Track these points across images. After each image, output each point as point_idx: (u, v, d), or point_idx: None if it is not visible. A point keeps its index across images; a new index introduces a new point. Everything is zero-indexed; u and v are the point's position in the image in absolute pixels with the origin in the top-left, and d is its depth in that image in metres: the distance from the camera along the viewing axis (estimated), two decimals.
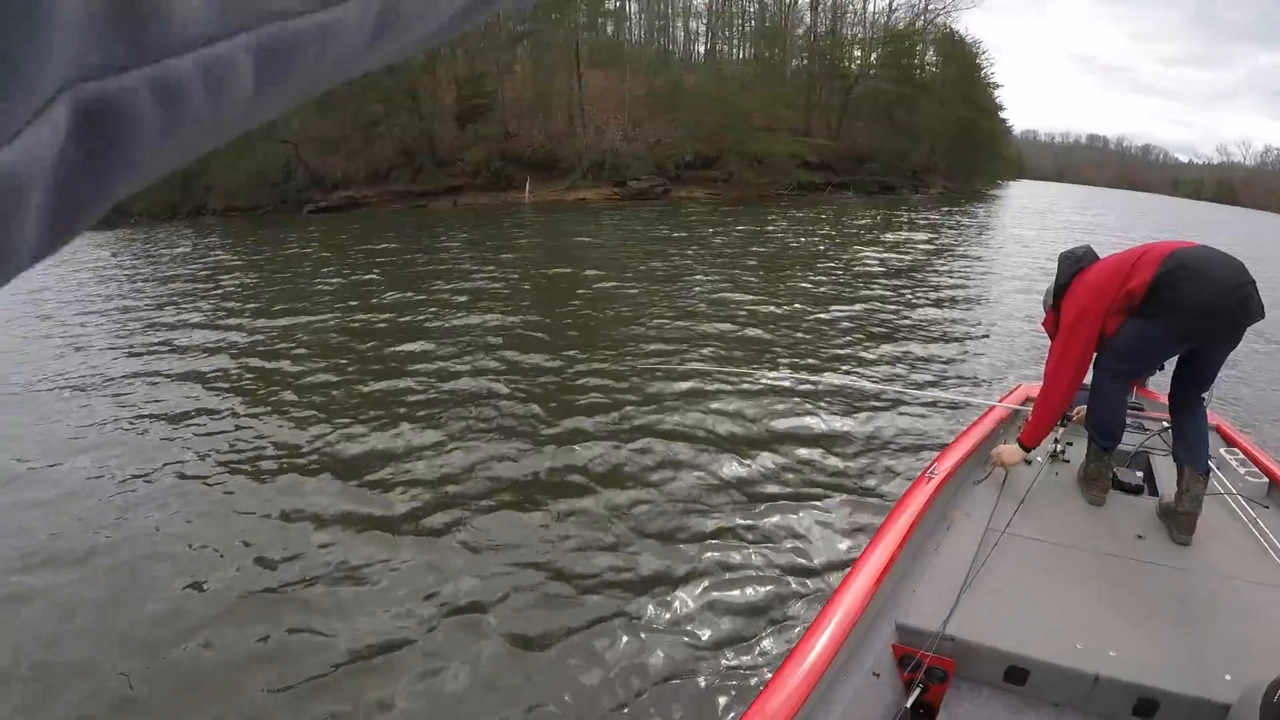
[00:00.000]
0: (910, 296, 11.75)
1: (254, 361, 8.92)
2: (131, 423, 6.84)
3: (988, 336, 9.35)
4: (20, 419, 6.98)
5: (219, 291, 13.80)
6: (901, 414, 6.29)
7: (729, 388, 7.05)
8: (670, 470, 5.29)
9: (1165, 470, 3.36)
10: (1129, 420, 3.52)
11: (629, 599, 3.77)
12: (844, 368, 7.99)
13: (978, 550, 2.55)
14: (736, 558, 4.10)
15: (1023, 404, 4.11)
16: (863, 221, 24.88)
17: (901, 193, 41.80)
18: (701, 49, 48.09)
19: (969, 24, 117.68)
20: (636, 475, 5.26)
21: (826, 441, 5.74)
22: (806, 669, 1.94)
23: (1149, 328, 2.79)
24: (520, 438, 6.00)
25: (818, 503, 4.74)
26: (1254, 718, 1.69)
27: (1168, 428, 3.35)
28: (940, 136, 46.64)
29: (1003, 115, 62.80)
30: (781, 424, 6.14)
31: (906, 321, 10.06)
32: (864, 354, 8.45)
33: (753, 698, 1.91)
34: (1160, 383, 3.68)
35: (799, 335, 9.27)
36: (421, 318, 10.76)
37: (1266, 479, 3.27)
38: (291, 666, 3.38)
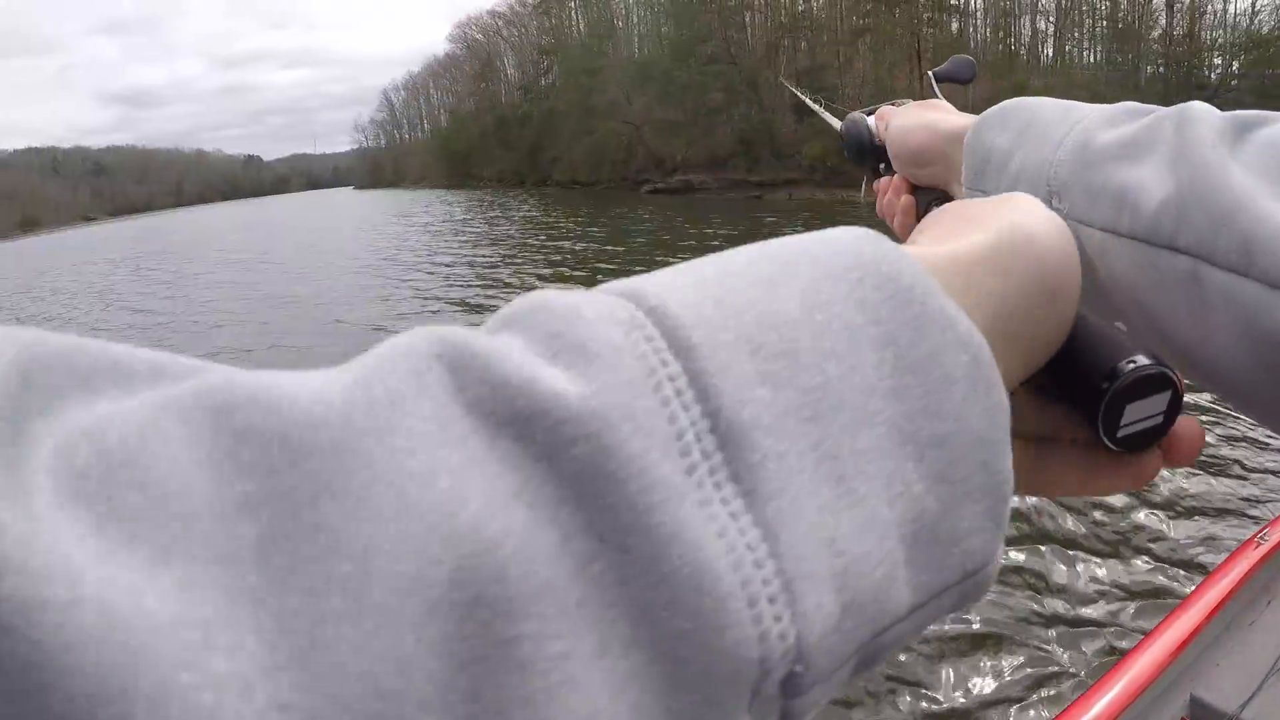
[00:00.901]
0: None
1: None
2: None
3: None
4: None
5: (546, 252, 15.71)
6: (1231, 469, 5.62)
7: None
8: None
9: None
10: None
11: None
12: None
13: None
14: (1023, 607, 3.95)
15: None
16: None
17: None
18: (1050, 50, 45.62)
19: None
20: None
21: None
22: None
23: None
24: None
25: (1118, 557, 4.44)
26: None
27: None
28: None
29: None
30: None
31: None
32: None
33: None
34: None
35: None
36: None
37: None
38: None
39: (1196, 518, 4.91)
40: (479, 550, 0.15)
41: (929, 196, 0.69)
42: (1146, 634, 2.27)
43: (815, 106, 1.30)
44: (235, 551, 0.13)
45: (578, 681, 0.15)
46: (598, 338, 0.18)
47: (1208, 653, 2.22)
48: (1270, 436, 5.81)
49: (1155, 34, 43.26)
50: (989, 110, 0.56)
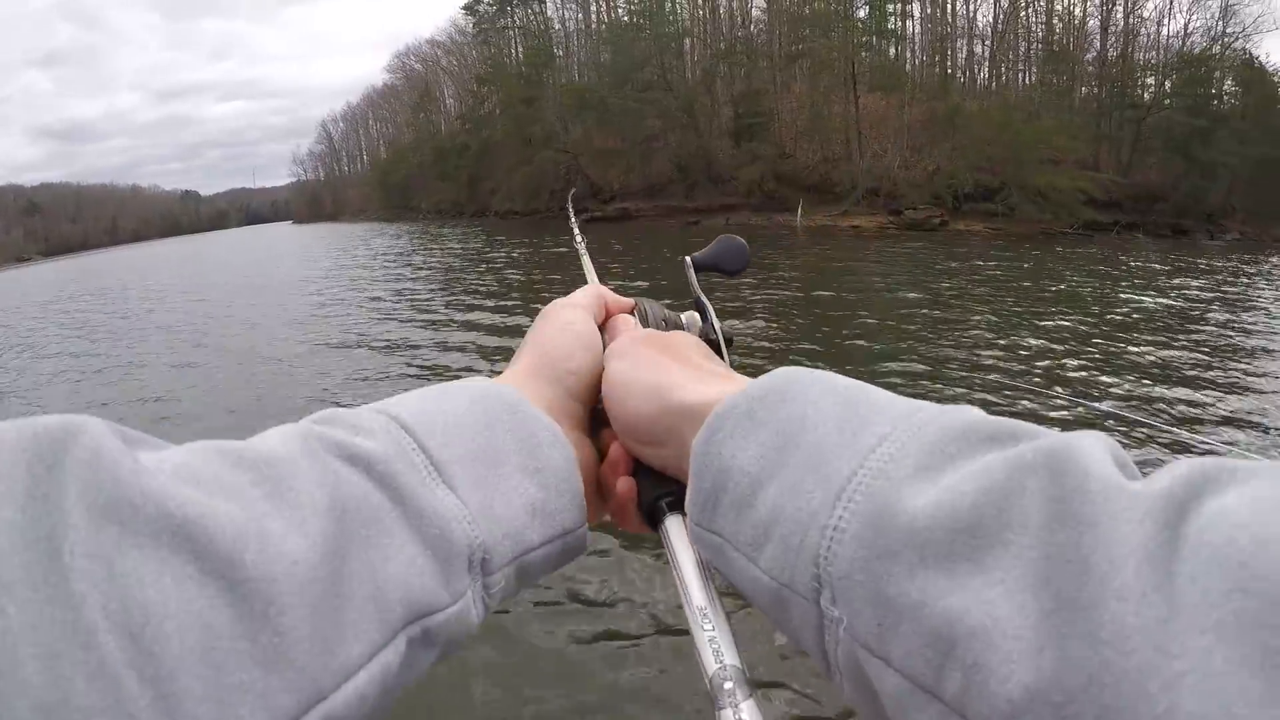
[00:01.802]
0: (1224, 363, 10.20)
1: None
2: None
3: None
4: None
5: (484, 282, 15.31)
6: None
7: None
8: None
9: None
10: None
11: None
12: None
13: None
14: None
15: None
16: (1161, 268, 22.77)
17: (1194, 236, 38.01)
18: (985, 73, 46.07)
19: (1270, 49, 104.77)
20: None
21: None
22: None
23: None
24: None
25: None
26: None
27: None
28: (1239, 176, 41.92)
29: None
30: None
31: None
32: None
33: None
34: None
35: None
36: None
37: None
38: None
39: None
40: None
41: (662, 495, 0.51)
42: None
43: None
44: None
45: (399, 545, 0.36)
46: (374, 428, 0.40)
47: None
48: None
49: (1089, 56, 43.86)
50: (733, 397, 0.41)
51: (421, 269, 24.25)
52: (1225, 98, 45.26)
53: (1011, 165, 31.98)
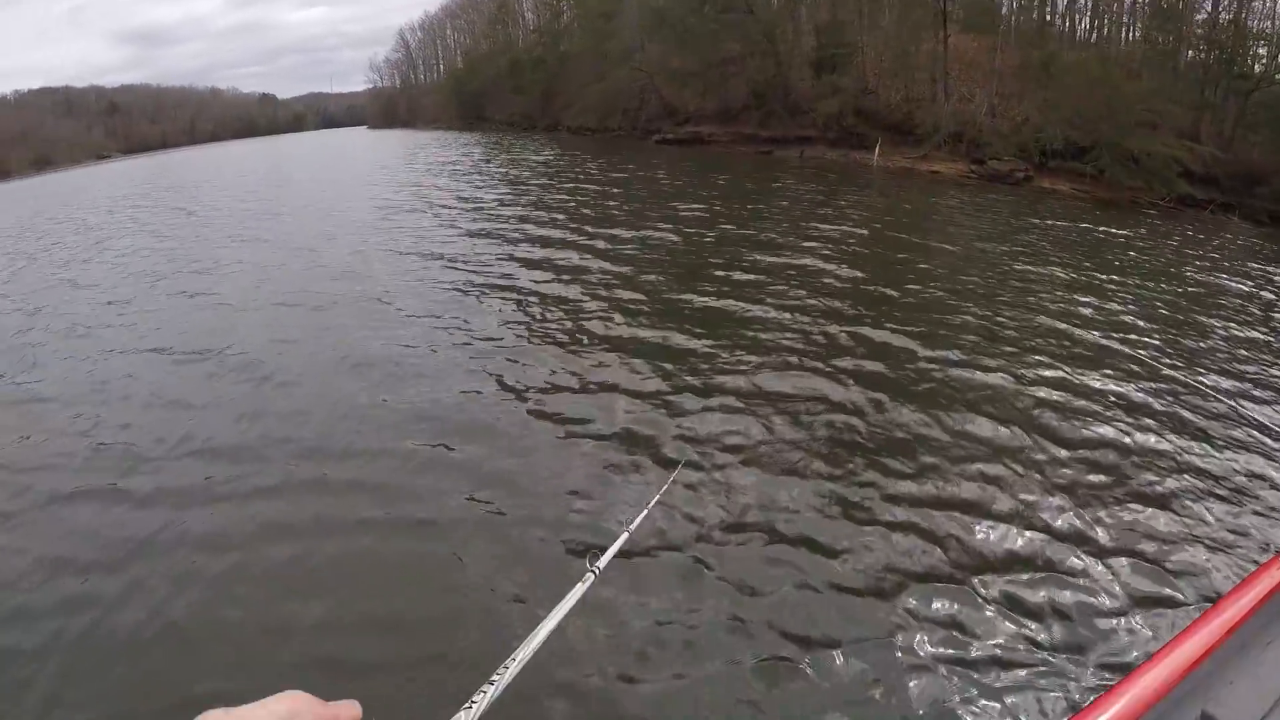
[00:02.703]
0: None
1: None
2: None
3: None
4: None
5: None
6: (1260, 485, 5.73)
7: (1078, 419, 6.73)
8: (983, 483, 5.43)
9: None
10: None
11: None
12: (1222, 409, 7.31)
13: None
14: (1032, 620, 4.05)
15: None
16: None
17: None
18: (1085, 23, 43.61)
19: None
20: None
21: (1191, 494, 5.44)
22: None
23: None
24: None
25: (1153, 556, 4.55)
26: None
27: None
28: None
29: None
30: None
31: None
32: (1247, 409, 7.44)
33: None
34: None
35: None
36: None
37: None
38: None
39: (1217, 539, 4.91)
40: None
41: None
42: (1159, 648, 2.05)
43: None
44: None
45: None
46: None
47: (1221, 670, 2.13)
48: None
49: (1199, 17, 41.32)
50: None
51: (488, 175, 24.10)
52: None
53: (1105, 124, 30.36)
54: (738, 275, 10.96)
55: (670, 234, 13.86)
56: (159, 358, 8.76)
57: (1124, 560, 4.62)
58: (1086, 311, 10.43)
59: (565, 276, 10.77)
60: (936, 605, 4.19)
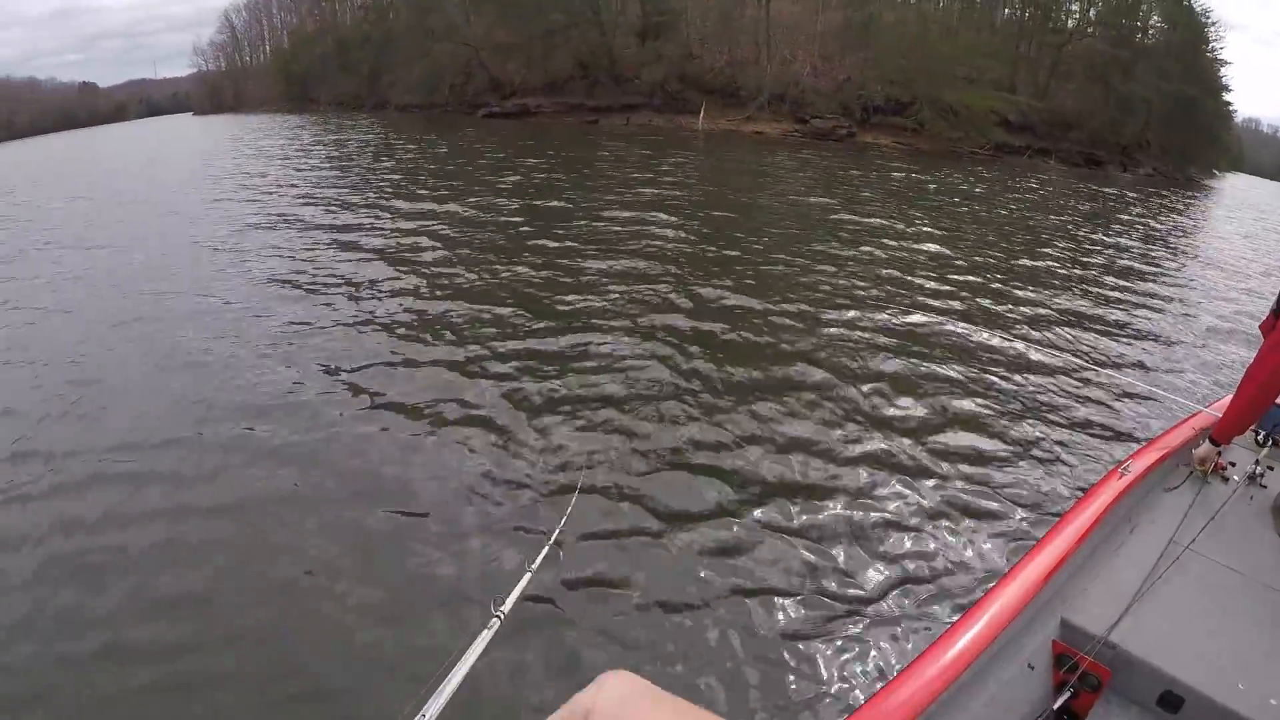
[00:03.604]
0: (1123, 286, 10.40)
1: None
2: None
3: (1204, 345, 8.28)
4: None
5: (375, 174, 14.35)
6: (1097, 400, 5.99)
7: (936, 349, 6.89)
8: (841, 420, 5.33)
9: None
10: None
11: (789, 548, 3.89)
12: (1040, 337, 7.63)
13: (1158, 561, 2.40)
14: (906, 525, 4.13)
15: None
16: (1072, 198, 22.29)
17: (1107, 169, 37.77)
18: None
19: None
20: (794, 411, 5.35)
21: (1011, 416, 5.57)
22: (963, 645, 1.93)
23: None
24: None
25: (995, 481, 4.61)
26: None
27: None
28: (1156, 112, 41.57)
29: (1226, 98, 55.35)
30: (965, 390, 6.01)
31: (1115, 312, 9.00)
32: (1066, 333, 7.92)
33: (905, 667, 1.86)
34: None
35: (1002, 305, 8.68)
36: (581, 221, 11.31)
37: None
38: None
39: (1063, 449, 5.07)
40: None
41: None
42: (1016, 562, 2.27)
43: None
44: None
45: None
46: None
47: (1076, 579, 2.35)
48: (1134, 371, 6.91)
49: None
50: None
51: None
52: (1150, 32, 44.81)
53: (924, 80, 30.92)
54: (555, 244, 10.35)
55: (491, 206, 13.16)
56: None
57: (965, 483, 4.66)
58: (903, 252, 10.75)
59: (378, 257, 9.82)
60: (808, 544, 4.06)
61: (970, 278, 9.61)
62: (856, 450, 4.94)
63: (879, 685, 2.44)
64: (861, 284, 8.85)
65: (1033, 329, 7.85)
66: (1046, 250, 12.15)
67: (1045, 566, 2.24)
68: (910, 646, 3.27)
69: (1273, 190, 74.99)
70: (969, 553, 3.94)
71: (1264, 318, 3.07)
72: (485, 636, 1.41)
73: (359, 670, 3.19)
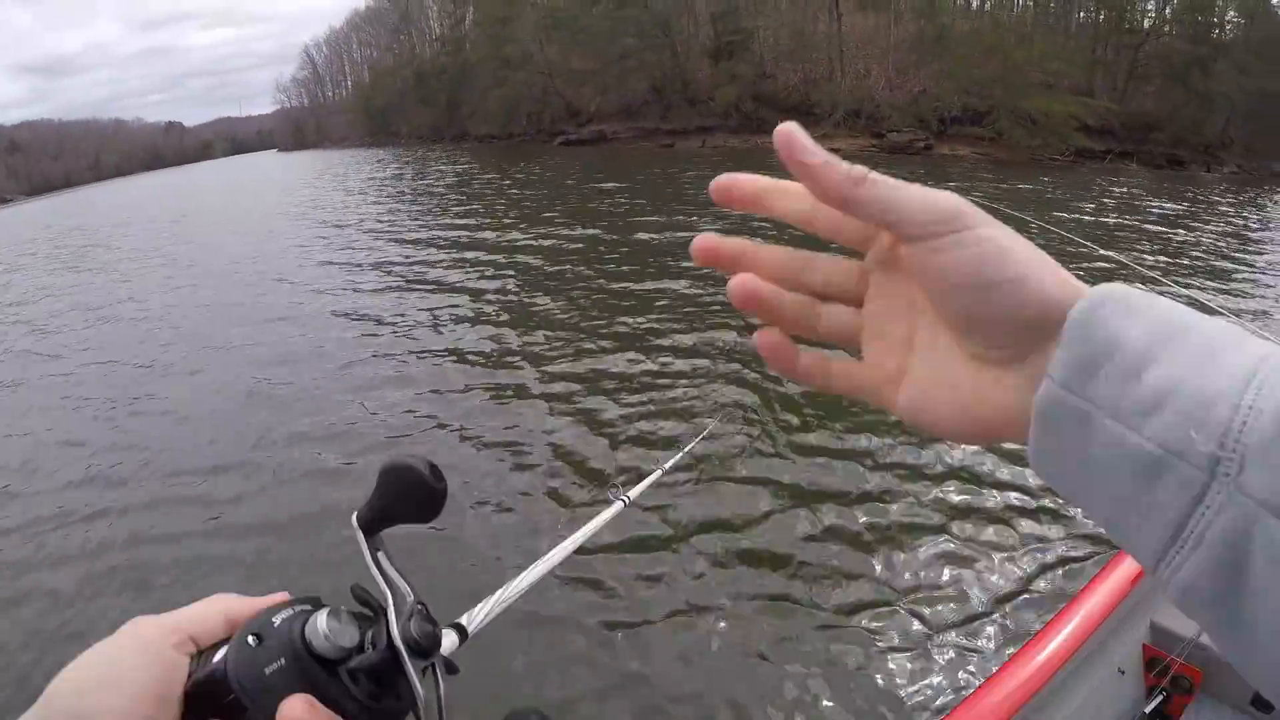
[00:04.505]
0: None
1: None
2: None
3: None
4: None
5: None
6: None
7: None
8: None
9: None
10: None
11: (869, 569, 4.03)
12: None
13: None
14: (998, 523, 4.31)
15: None
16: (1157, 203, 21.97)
17: (1191, 168, 36.84)
18: None
19: None
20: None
21: None
22: (1051, 651, 1.92)
23: None
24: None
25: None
26: None
27: None
28: (1238, 108, 40.37)
29: None
30: None
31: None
32: None
33: (993, 674, 1.91)
34: None
35: None
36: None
37: None
38: None
39: None
40: None
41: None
42: (1103, 567, 2.25)
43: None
44: None
45: None
46: None
47: None
48: None
49: None
50: (1101, 288, 0.38)
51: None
52: (1227, 27, 43.60)
53: (1001, 88, 30.73)
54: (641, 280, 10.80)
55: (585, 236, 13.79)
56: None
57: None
58: None
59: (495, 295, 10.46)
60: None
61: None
62: (932, 458, 5.22)
63: (968, 692, 2.60)
64: None
65: None
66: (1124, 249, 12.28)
67: (1133, 570, 2.19)
68: (999, 653, 3.35)
69: None
70: (1053, 558, 4.03)
71: None
72: (607, 514, 1.42)
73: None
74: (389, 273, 11.88)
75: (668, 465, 1.96)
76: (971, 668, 3.31)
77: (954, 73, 31.29)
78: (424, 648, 0.47)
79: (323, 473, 5.57)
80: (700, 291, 9.33)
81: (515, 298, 9.84)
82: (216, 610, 0.49)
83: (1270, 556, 0.27)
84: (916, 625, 3.59)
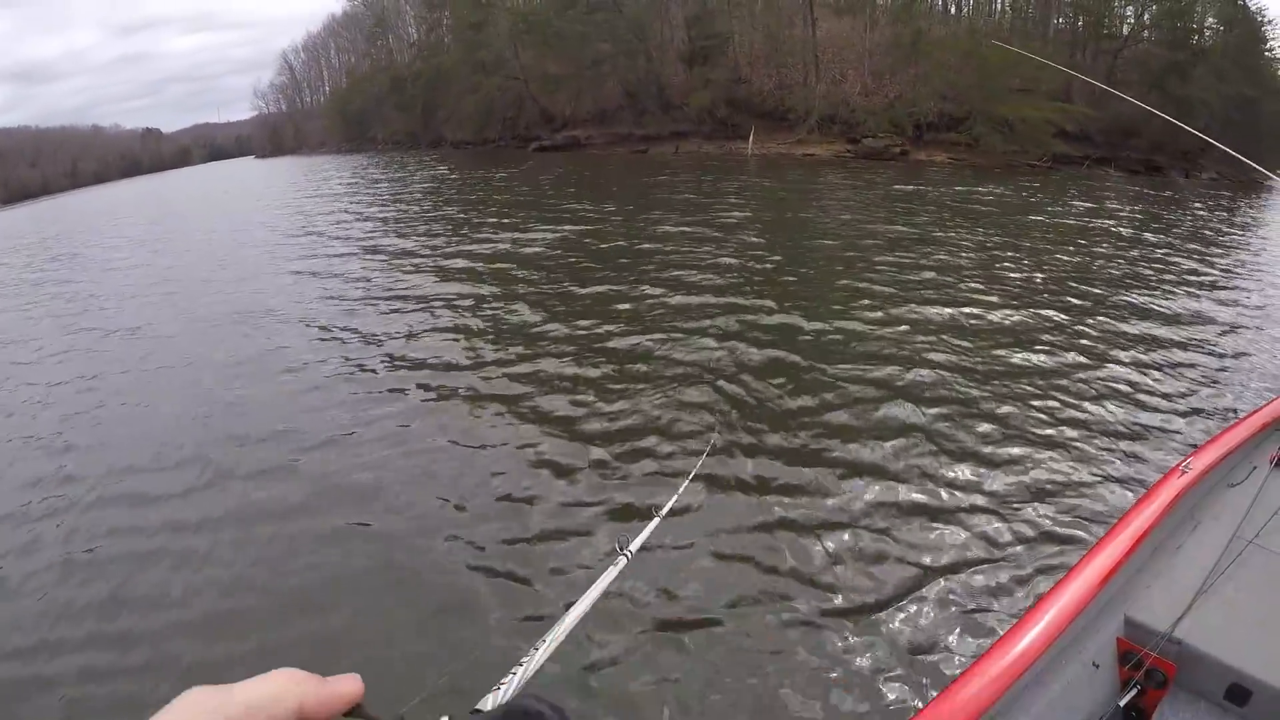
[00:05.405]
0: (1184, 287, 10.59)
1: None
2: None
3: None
4: None
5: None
6: (1152, 401, 6.16)
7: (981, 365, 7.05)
8: (907, 431, 5.52)
9: None
10: None
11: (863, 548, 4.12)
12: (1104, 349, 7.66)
13: (1221, 556, 2.40)
14: (970, 526, 4.30)
15: None
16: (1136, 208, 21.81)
17: (1169, 174, 36.76)
18: None
19: None
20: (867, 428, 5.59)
21: (1072, 421, 5.71)
22: (1026, 644, 1.94)
23: None
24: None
25: (1059, 478, 4.80)
26: None
27: None
28: (1217, 115, 40.36)
29: None
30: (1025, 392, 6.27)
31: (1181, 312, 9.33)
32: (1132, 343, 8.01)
33: (968, 667, 1.88)
34: None
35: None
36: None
37: None
38: None
39: (1124, 445, 5.27)
40: None
41: None
42: (1077, 561, 2.27)
43: None
44: None
45: None
46: None
47: (1138, 576, 2.38)
48: (1191, 372, 6.99)
49: None
50: None
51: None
52: (1206, 33, 43.70)
53: (977, 94, 30.49)
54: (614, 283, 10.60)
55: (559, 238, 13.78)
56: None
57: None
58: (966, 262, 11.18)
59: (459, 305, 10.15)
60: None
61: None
62: (913, 441, 5.34)
63: (942, 685, 2.48)
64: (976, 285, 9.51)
65: (1093, 329, 8.19)
66: (1103, 256, 12.29)
67: (1107, 564, 2.25)
68: (973, 646, 3.35)
69: None
70: (1028, 551, 4.06)
71: None
72: (611, 573, 1.44)
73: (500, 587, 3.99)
74: (357, 284, 11.78)
75: (664, 511, 1.94)
76: (945, 662, 3.31)
77: (929, 78, 31.01)
78: None
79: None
80: (681, 299, 9.49)
81: (490, 309, 9.70)
82: (290, 694, 0.43)
83: None
84: (892, 621, 3.59)
